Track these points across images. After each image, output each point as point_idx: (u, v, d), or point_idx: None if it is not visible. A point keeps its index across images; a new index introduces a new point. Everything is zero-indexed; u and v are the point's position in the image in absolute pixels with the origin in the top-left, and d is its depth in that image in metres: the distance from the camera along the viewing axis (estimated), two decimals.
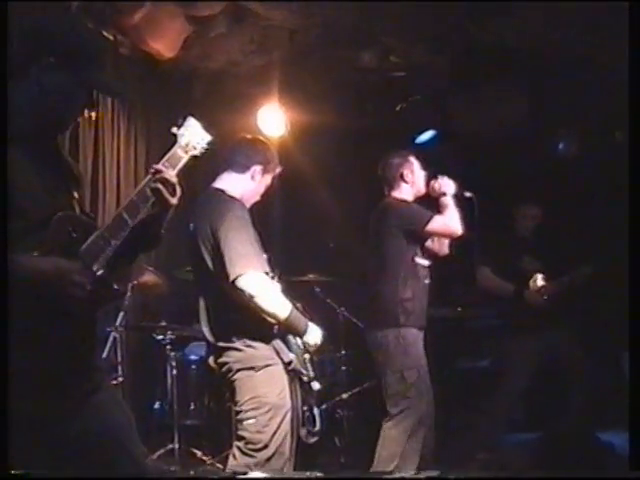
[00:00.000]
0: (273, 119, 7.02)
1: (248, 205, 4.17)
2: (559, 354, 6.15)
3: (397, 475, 4.93)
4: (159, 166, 2.63)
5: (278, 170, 4.34)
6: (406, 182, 5.25)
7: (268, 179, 4.27)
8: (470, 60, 6.79)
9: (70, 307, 2.40)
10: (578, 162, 7.54)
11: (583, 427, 6.05)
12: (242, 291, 3.82)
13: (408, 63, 6.98)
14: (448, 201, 5.13)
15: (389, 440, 4.97)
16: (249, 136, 4.46)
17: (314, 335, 4.03)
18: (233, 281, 3.82)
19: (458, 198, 5.22)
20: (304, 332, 3.98)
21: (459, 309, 7.23)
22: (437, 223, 5.04)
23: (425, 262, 5.17)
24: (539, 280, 6.13)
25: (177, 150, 2.69)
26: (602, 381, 6.13)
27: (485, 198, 7.52)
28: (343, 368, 6.44)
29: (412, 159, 5.29)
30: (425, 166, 5.33)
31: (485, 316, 6.89)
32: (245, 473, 3.88)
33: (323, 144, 7.35)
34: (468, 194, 5.29)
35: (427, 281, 5.17)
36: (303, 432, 4.08)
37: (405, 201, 5.23)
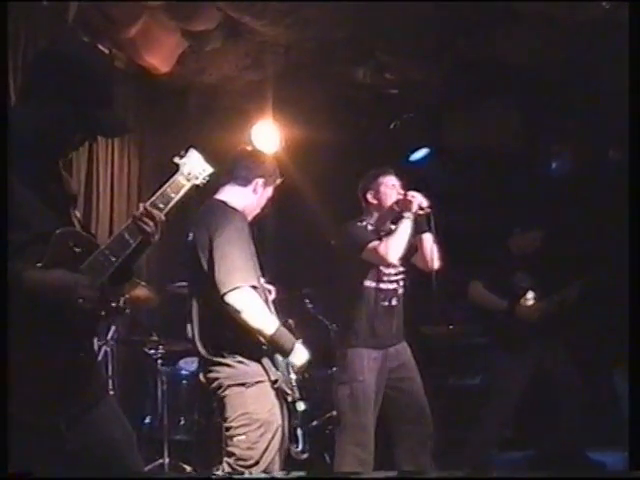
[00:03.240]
0: (267, 134, 7.03)
1: (250, 217, 4.19)
2: (550, 371, 6.14)
3: (391, 475, 5.03)
4: (147, 205, 2.66)
5: (278, 181, 4.36)
6: (370, 204, 5.29)
7: (269, 191, 4.29)
8: (464, 77, 6.81)
9: (73, 319, 2.42)
10: (572, 179, 7.56)
11: (574, 445, 6.03)
12: (230, 306, 3.81)
13: (402, 80, 7.01)
14: (401, 224, 5.04)
15: (336, 448, 5.26)
16: (250, 148, 4.48)
17: (299, 356, 3.98)
18: (222, 295, 3.82)
19: (416, 216, 5.11)
20: (290, 351, 3.94)
21: (450, 326, 7.22)
22: (371, 250, 5.00)
23: (382, 285, 5.17)
24: (530, 298, 6.12)
25: (179, 178, 2.75)
26: (594, 399, 6.12)
27: (478, 214, 7.56)
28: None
29: (381, 179, 5.28)
30: (409, 184, 5.28)
31: (476, 333, 6.89)
32: (242, 473, 3.88)
33: (317, 160, 7.35)
34: (427, 210, 5.11)
35: (385, 303, 5.17)
36: (293, 449, 4.07)
37: (360, 223, 5.24)
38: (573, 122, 7.11)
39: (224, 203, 4.13)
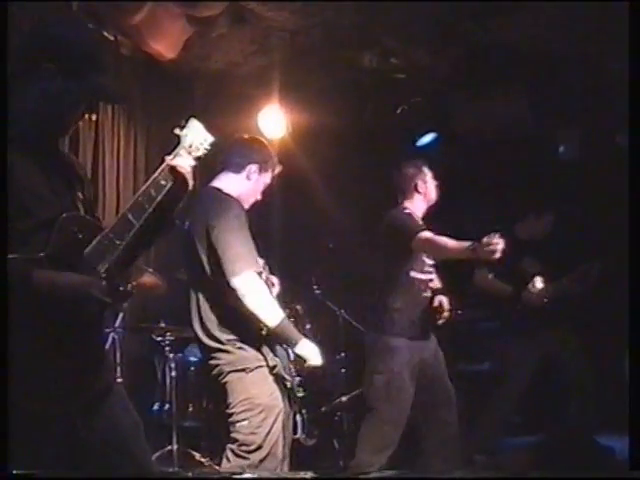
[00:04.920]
0: (274, 120, 7.02)
1: (246, 205, 4.18)
2: (558, 357, 6.13)
3: (392, 475, 5.02)
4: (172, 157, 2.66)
5: (278, 169, 4.34)
6: (419, 193, 5.30)
7: (266, 178, 4.27)
8: (471, 62, 6.79)
9: (83, 310, 2.42)
10: (579, 164, 7.53)
11: (582, 430, 6.02)
12: (237, 290, 3.82)
13: (409, 64, 6.98)
14: (464, 247, 4.75)
15: (360, 435, 5.19)
16: (245, 136, 4.46)
17: (308, 349, 3.98)
18: (230, 280, 3.82)
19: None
20: (295, 344, 3.95)
21: (459, 312, 7.22)
22: (422, 238, 4.96)
23: (423, 276, 5.18)
24: (538, 282, 6.10)
25: (180, 151, 2.70)
26: (602, 384, 6.10)
27: (485, 199, 7.54)
28: (343, 370, 6.43)
29: (425, 169, 5.33)
30: (436, 174, 5.35)
31: (484, 319, 6.87)
32: (241, 474, 3.88)
33: (324, 145, 7.33)
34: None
35: (426, 294, 5.18)
36: (297, 436, 4.07)
37: (409, 213, 5.23)
38: (580, 107, 7.07)
39: (219, 190, 4.13)
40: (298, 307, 6.05)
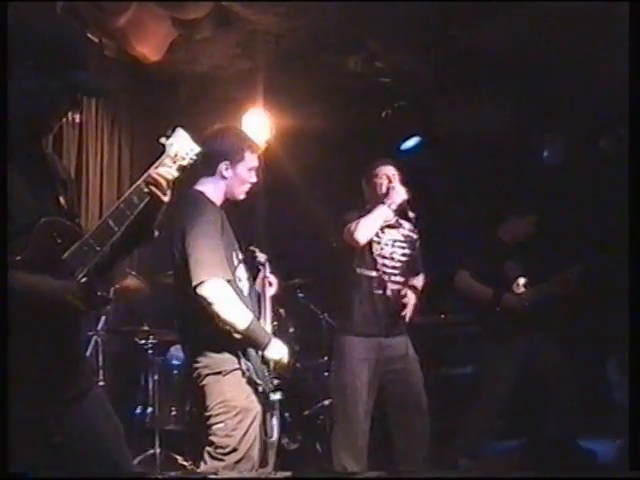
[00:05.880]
0: (258, 123, 7.01)
1: (239, 197, 4.15)
2: (540, 360, 6.14)
3: (382, 475, 5.06)
4: (155, 170, 2.63)
5: (256, 148, 4.24)
6: (363, 192, 5.36)
7: (245, 166, 4.15)
8: (455, 66, 6.80)
9: (59, 314, 2.40)
10: (563, 168, 7.56)
11: (565, 434, 6.03)
12: (203, 298, 3.81)
13: (393, 68, 6.99)
14: (377, 209, 5.11)
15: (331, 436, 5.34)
16: (211, 130, 4.29)
17: (276, 351, 3.97)
18: (195, 287, 3.81)
19: (402, 212, 5.22)
20: (265, 346, 3.93)
21: (442, 316, 7.23)
22: (347, 230, 5.08)
23: (373, 273, 5.19)
24: (522, 283, 6.10)
25: (165, 160, 2.67)
26: (585, 387, 6.12)
27: (468, 203, 7.57)
28: (325, 374, 6.43)
29: (377, 170, 5.30)
30: (405, 176, 5.31)
31: (466, 323, 6.89)
32: (222, 461, 3.87)
33: (308, 149, 7.34)
34: (411, 214, 5.20)
35: (379, 291, 5.18)
36: (269, 439, 4.06)
37: (354, 213, 5.22)
38: (564, 111, 7.10)
39: (200, 193, 4.09)
40: (281, 310, 6.05)
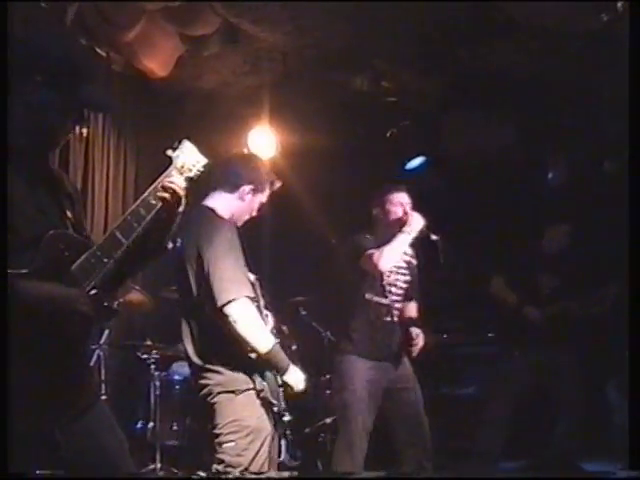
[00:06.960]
0: (264, 140, 7.03)
1: (240, 223, 4.14)
2: (548, 381, 6.13)
3: (387, 475, 5.07)
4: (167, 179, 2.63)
5: (277, 184, 4.27)
6: (375, 218, 5.29)
7: (261, 197, 4.19)
8: (461, 86, 6.82)
9: (66, 326, 2.39)
10: (566, 188, 7.56)
11: (567, 456, 6.01)
12: (228, 316, 3.78)
13: (399, 88, 7.01)
14: (399, 236, 5.04)
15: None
16: (241, 153, 4.39)
17: (296, 377, 3.97)
18: (222, 306, 3.78)
19: (423, 238, 5.16)
20: (284, 371, 3.93)
21: (445, 336, 7.22)
22: (367, 257, 5.02)
23: (380, 300, 5.18)
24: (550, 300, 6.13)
25: (172, 171, 2.66)
26: (588, 410, 6.10)
27: (473, 223, 7.56)
28: (327, 392, 6.41)
29: (389, 196, 5.24)
30: (413, 200, 5.27)
31: (469, 343, 6.88)
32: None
33: (313, 167, 7.34)
34: (434, 237, 5.14)
35: (387, 319, 5.17)
36: (279, 458, 4.05)
37: (366, 236, 5.21)
38: (568, 131, 7.12)
39: (212, 210, 4.07)
40: (284, 328, 6.04)
